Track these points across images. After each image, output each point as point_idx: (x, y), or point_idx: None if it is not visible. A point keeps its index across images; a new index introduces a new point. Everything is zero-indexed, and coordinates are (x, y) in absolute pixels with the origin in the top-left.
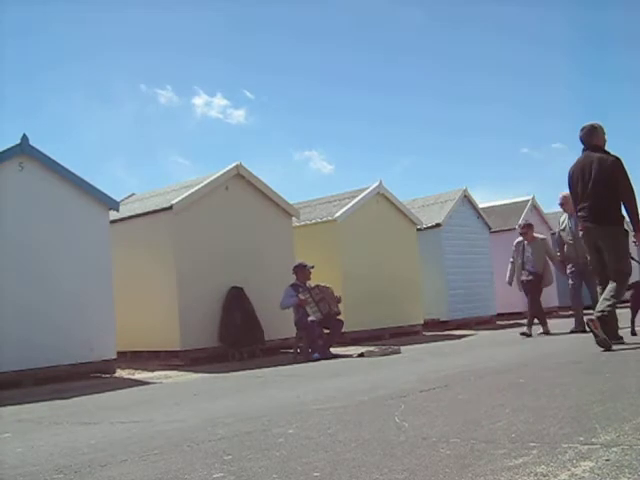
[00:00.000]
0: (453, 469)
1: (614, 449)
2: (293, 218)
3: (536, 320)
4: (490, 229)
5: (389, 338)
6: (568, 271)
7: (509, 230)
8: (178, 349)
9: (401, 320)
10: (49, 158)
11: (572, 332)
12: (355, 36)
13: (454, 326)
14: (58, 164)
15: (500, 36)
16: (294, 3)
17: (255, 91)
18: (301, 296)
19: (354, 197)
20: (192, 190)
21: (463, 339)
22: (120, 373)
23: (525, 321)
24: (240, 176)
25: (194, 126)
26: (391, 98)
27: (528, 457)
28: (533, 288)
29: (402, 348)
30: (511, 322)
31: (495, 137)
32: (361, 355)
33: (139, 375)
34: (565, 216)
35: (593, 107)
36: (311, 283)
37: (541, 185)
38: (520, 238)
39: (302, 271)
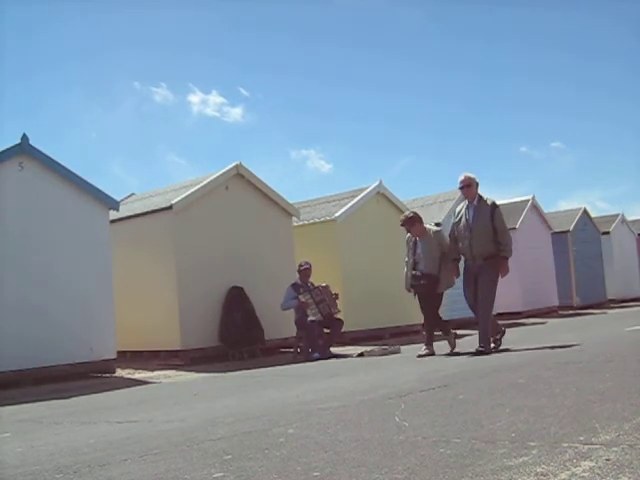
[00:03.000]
0: (453, 469)
1: (614, 449)
2: (293, 218)
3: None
4: None
5: (389, 338)
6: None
7: (509, 230)
8: (178, 349)
9: (401, 320)
10: (49, 158)
11: (494, 347)
12: (352, 35)
13: (454, 326)
14: (58, 164)
15: (498, 36)
16: (290, 1)
17: (250, 88)
18: (302, 298)
19: (354, 197)
20: (192, 190)
21: (463, 339)
22: (120, 373)
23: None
24: (240, 176)
25: (191, 125)
26: (390, 98)
27: (528, 457)
28: (427, 294)
29: (402, 348)
30: (511, 322)
31: (494, 136)
32: (361, 355)
33: (139, 375)
34: (463, 205)
35: (592, 106)
36: (313, 282)
37: (541, 184)
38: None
39: (303, 271)
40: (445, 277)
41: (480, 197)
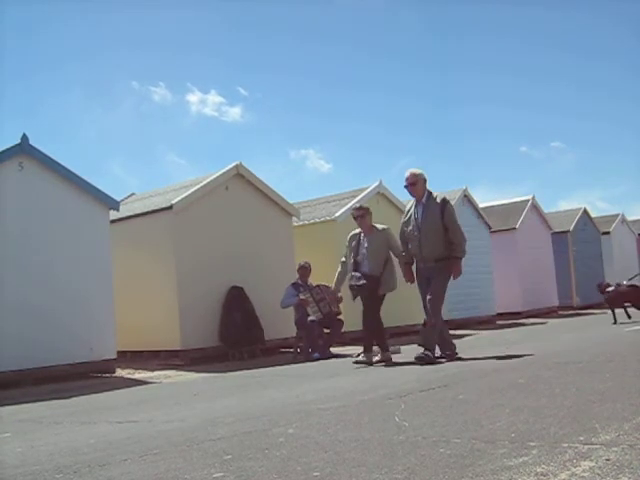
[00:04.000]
0: (453, 469)
1: (614, 449)
2: (293, 218)
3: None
4: (490, 229)
5: (389, 338)
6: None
7: (509, 230)
8: (178, 349)
9: (401, 320)
10: (49, 158)
11: (441, 357)
12: (351, 35)
13: (454, 326)
14: (58, 164)
15: (497, 35)
16: (289, 1)
17: (249, 88)
18: (302, 296)
19: (354, 197)
20: (192, 190)
21: (463, 339)
22: (120, 373)
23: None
24: (240, 176)
25: (190, 125)
26: (389, 98)
27: (528, 457)
28: (368, 296)
29: (402, 348)
30: (511, 322)
31: (494, 136)
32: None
33: (139, 375)
34: (412, 203)
35: (592, 106)
36: (312, 282)
37: (541, 184)
38: (357, 230)
39: (301, 270)
40: (386, 280)
41: (429, 194)
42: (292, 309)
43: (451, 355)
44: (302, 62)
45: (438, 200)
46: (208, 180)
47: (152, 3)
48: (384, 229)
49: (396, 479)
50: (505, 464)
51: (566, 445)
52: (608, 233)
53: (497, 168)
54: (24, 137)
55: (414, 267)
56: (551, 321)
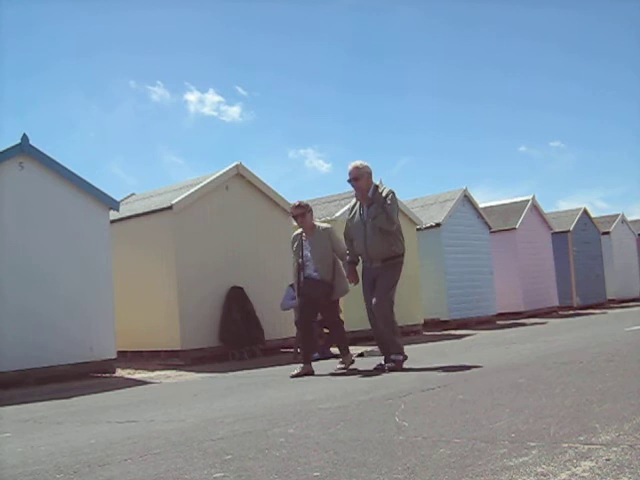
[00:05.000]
0: (453, 469)
1: (614, 449)
2: None
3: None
4: (490, 229)
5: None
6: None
7: (509, 230)
8: (178, 349)
9: (401, 320)
10: (49, 158)
11: (376, 369)
12: (350, 35)
13: (454, 326)
14: (58, 164)
15: (497, 34)
16: (288, 0)
17: (248, 87)
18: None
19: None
20: (192, 190)
21: (463, 339)
22: (120, 373)
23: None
24: (240, 176)
25: (189, 124)
26: (388, 97)
27: (528, 457)
28: (326, 303)
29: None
30: (511, 322)
31: (493, 135)
32: (361, 355)
33: (139, 375)
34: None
35: (592, 105)
36: None
37: (541, 184)
38: (298, 230)
39: None
40: (339, 283)
41: (376, 188)
42: (292, 309)
43: (399, 363)
44: (301, 62)
45: (384, 194)
46: (208, 180)
47: (150, 3)
48: (326, 228)
49: (396, 479)
50: (505, 464)
51: (566, 445)
52: (608, 233)
53: (497, 168)
54: (24, 137)
55: (360, 267)
56: (551, 321)
